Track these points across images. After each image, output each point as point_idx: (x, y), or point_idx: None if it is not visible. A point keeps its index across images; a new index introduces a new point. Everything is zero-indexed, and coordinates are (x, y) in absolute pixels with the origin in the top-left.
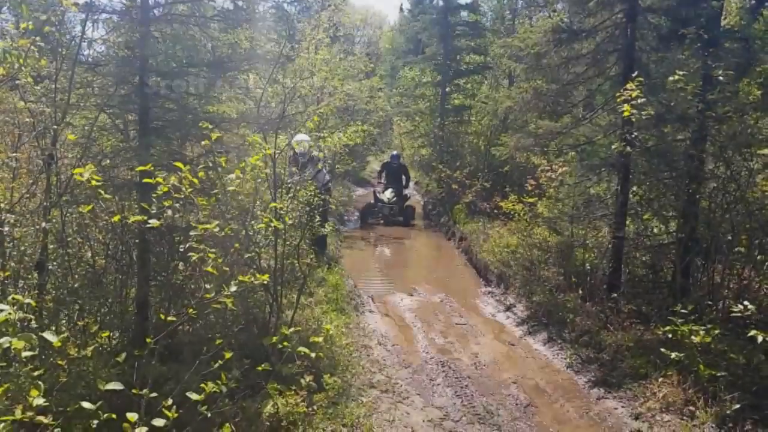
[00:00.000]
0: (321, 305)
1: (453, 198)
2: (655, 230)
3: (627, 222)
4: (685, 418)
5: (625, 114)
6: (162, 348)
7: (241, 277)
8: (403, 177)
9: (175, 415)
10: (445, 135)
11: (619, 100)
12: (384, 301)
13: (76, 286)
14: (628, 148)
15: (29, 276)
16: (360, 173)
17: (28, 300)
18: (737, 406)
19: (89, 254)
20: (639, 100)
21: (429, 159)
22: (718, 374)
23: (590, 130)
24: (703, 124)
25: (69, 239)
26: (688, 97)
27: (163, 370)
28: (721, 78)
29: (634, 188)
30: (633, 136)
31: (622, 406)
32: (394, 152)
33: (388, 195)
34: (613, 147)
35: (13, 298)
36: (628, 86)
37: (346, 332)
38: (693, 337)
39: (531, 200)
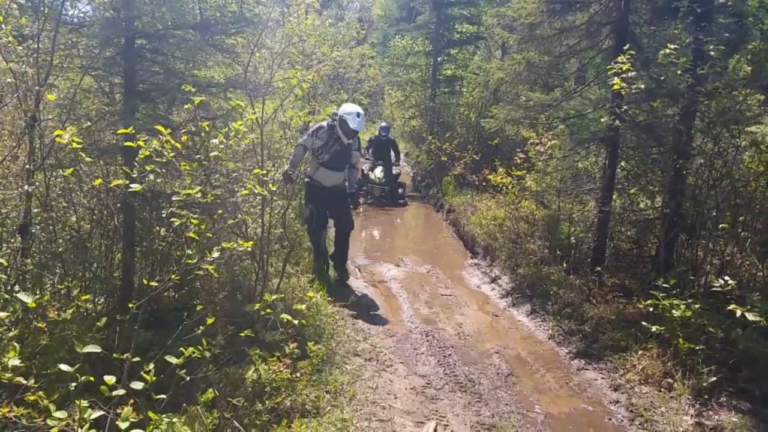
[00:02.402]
0: (307, 274)
1: (442, 170)
2: (641, 205)
3: (614, 197)
4: (663, 389)
5: (615, 87)
6: (147, 315)
7: (224, 244)
8: (392, 152)
9: (154, 378)
10: (435, 106)
11: (610, 73)
12: (371, 271)
13: (60, 250)
14: (618, 122)
15: (12, 240)
16: None
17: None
18: (714, 378)
19: (74, 219)
20: (630, 74)
21: (419, 130)
22: (697, 348)
23: (580, 103)
24: (693, 99)
25: (53, 203)
26: (678, 72)
27: (147, 336)
28: (712, 53)
29: (622, 163)
30: (623, 110)
31: (602, 378)
32: (383, 124)
33: (378, 174)
34: (602, 121)
35: None
36: (619, 59)
37: (332, 301)
38: (674, 311)
39: (519, 174)
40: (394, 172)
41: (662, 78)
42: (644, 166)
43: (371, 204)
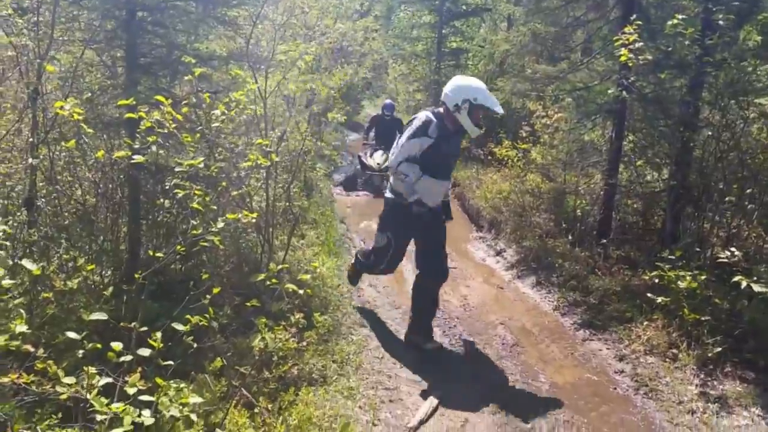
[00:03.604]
0: (312, 247)
1: None
2: (648, 178)
3: (620, 169)
4: (667, 360)
5: (623, 59)
6: (154, 287)
7: (229, 215)
8: (398, 135)
9: (161, 345)
10: (440, 79)
11: (617, 44)
12: None
13: (66, 223)
14: (625, 94)
15: (18, 213)
16: (353, 117)
17: (3, 227)
18: (719, 349)
19: (79, 192)
20: (637, 45)
21: (424, 104)
22: (703, 319)
23: (587, 75)
24: (701, 70)
25: (58, 177)
26: (686, 43)
27: (154, 306)
28: (721, 23)
29: (629, 136)
30: (629, 81)
31: (607, 348)
32: (387, 101)
33: (378, 159)
34: (609, 93)
35: None
36: (626, 30)
37: (338, 273)
38: (680, 283)
39: (525, 147)
40: None
41: (670, 49)
42: (651, 139)
43: (369, 193)
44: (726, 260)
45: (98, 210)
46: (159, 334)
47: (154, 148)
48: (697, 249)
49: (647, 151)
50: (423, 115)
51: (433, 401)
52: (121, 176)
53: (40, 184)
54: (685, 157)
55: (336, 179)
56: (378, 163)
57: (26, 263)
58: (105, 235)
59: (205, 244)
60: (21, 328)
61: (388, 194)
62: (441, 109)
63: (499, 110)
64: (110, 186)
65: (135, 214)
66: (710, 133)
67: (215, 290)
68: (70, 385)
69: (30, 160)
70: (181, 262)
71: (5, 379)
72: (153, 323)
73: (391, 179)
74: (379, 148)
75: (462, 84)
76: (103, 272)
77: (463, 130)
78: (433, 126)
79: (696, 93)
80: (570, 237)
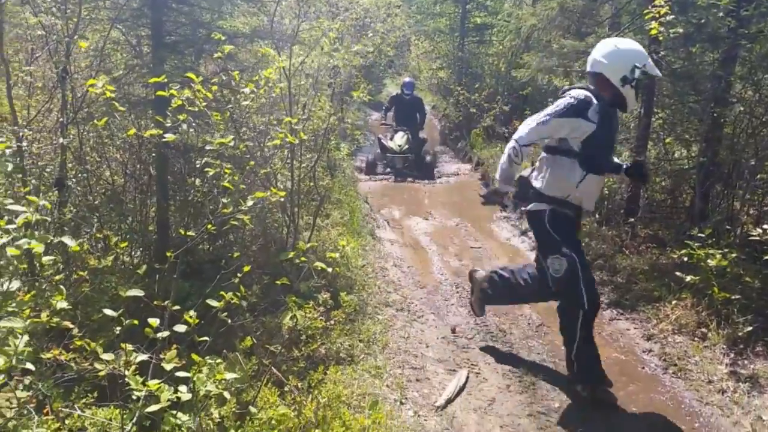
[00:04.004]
0: (337, 227)
1: (471, 122)
2: (676, 155)
3: (648, 146)
4: (696, 339)
5: (653, 32)
6: (183, 266)
7: (257, 194)
8: (418, 115)
9: (196, 321)
10: (464, 56)
11: (647, 17)
12: (400, 224)
13: (96, 203)
14: None
15: (49, 193)
16: (376, 96)
17: (43, 201)
18: (749, 328)
19: (108, 173)
20: (667, 18)
21: (447, 82)
22: (733, 297)
23: None
24: (734, 43)
25: (87, 158)
26: (720, 15)
27: (185, 286)
28: None
29: (658, 112)
30: (659, 56)
31: (635, 328)
32: (407, 79)
33: (398, 141)
34: None
35: (29, 200)
36: (656, 2)
37: (363, 254)
38: (709, 261)
39: None
40: (420, 136)
41: (702, 21)
42: (680, 115)
43: (391, 177)
44: (757, 238)
45: (127, 190)
46: (192, 312)
47: (184, 126)
48: (727, 227)
49: (676, 128)
50: (579, 93)
51: (460, 381)
52: (150, 156)
53: (70, 164)
54: (716, 134)
55: (356, 163)
56: (399, 145)
57: (66, 239)
58: (134, 216)
59: (235, 222)
60: (62, 304)
61: (535, 206)
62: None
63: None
64: (138, 166)
65: (163, 193)
66: (742, 108)
67: (246, 268)
68: (108, 362)
69: (60, 140)
70: (210, 242)
71: (48, 355)
72: (184, 302)
73: (504, 168)
74: (400, 129)
75: (626, 48)
76: (133, 252)
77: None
78: (593, 108)
79: (728, 67)
80: (597, 216)
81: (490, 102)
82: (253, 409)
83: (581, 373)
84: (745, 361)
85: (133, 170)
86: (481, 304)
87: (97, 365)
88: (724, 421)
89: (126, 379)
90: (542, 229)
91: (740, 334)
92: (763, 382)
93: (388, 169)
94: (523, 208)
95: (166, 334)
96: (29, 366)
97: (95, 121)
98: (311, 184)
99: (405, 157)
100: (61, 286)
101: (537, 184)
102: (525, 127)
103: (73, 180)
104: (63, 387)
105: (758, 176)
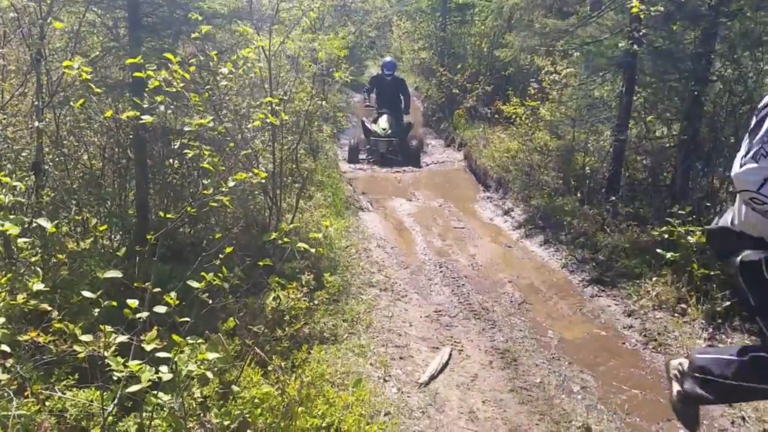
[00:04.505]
0: (320, 209)
1: (454, 103)
2: (657, 133)
3: (630, 125)
4: (676, 315)
5: (634, 10)
6: (164, 249)
7: (238, 175)
8: (402, 96)
9: (176, 302)
10: (446, 36)
11: None
12: (383, 205)
13: (74, 186)
14: (635, 47)
15: (26, 177)
16: (358, 78)
17: (17, 183)
18: (727, 303)
19: (86, 157)
20: None
21: (429, 62)
22: (711, 273)
23: (597, 29)
24: (714, 21)
25: (65, 141)
26: None
27: (165, 269)
28: None
29: (639, 90)
30: (640, 34)
31: (616, 304)
32: (388, 58)
33: (382, 124)
34: (619, 46)
35: (2, 182)
36: None
37: (346, 235)
38: (689, 238)
39: (533, 104)
40: (405, 121)
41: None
42: (661, 93)
43: (375, 162)
44: None
45: (105, 174)
46: (173, 293)
47: (162, 107)
48: (707, 204)
49: (657, 106)
50: None
51: (443, 358)
52: (128, 139)
53: (47, 148)
54: (696, 112)
55: (339, 147)
56: (383, 129)
57: (42, 221)
58: (113, 199)
59: (215, 204)
60: (38, 286)
61: (749, 255)
62: None
63: None
64: (116, 150)
65: (142, 177)
66: (722, 86)
67: (228, 249)
68: (87, 344)
69: (36, 123)
70: (191, 225)
71: (24, 338)
72: (165, 285)
73: (736, 214)
74: (385, 111)
75: None
76: (113, 236)
77: None
78: None
79: (708, 45)
80: (578, 195)
81: (473, 82)
82: (236, 388)
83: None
84: (723, 335)
85: (111, 154)
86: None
87: (76, 347)
88: None
89: (106, 361)
90: (761, 283)
91: (718, 309)
92: None
93: (372, 157)
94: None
95: (145, 314)
96: (5, 348)
97: (72, 103)
98: (293, 166)
99: (389, 141)
100: (38, 269)
101: (746, 228)
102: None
103: (50, 164)
104: (43, 369)
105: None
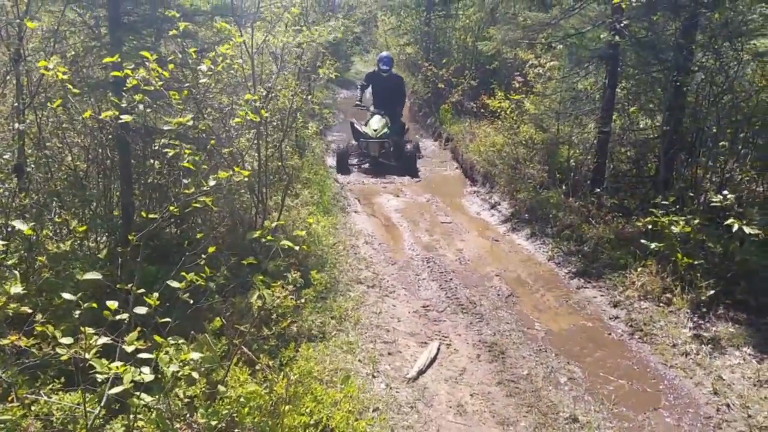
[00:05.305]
0: (307, 207)
1: (439, 98)
2: (641, 125)
3: (613, 117)
4: (662, 304)
5: (615, 1)
6: (149, 250)
7: (220, 173)
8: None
9: (157, 302)
10: (431, 31)
11: None
12: (371, 201)
13: (58, 188)
14: (618, 39)
15: (8, 180)
16: (344, 74)
17: None
18: (712, 292)
19: (69, 158)
20: None
21: (415, 57)
22: (696, 263)
23: (579, 21)
24: (695, 11)
25: (47, 143)
26: None
27: (150, 270)
28: None
29: (622, 82)
30: (622, 25)
31: (602, 295)
32: (384, 53)
33: (374, 125)
34: (602, 37)
35: None
36: None
37: (333, 232)
38: (673, 228)
39: (518, 97)
40: (400, 122)
41: None
42: (644, 85)
43: (366, 170)
44: (719, 204)
45: (89, 175)
46: (156, 294)
47: (141, 107)
48: (691, 194)
49: (640, 98)
50: None
51: (431, 352)
52: (111, 140)
53: (29, 150)
54: (679, 102)
55: (327, 150)
56: (375, 130)
57: (18, 224)
58: (98, 201)
59: (198, 204)
60: (16, 289)
61: None
62: None
63: None
64: (100, 151)
65: (126, 178)
66: (704, 76)
67: (210, 249)
68: (69, 346)
69: (17, 125)
70: (176, 225)
71: (5, 341)
72: (151, 286)
73: None
74: (377, 112)
75: None
76: (98, 238)
77: None
78: None
79: (690, 35)
80: (564, 187)
81: (458, 77)
82: (222, 388)
83: None
84: (708, 324)
85: (95, 155)
86: None
87: (58, 350)
88: (688, 383)
89: (90, 363)
90: None
91: (703, 298)
92: (724, 343)
93: (363, 161)
94: None
95: (125, 316)
96: None
97: (50, 104)
98: (279, 163)
99: (381, 143)
100: (15, 271)
101: None
102: None
103: (33, 166)
104: (28, 374)
105: (720, 143)
